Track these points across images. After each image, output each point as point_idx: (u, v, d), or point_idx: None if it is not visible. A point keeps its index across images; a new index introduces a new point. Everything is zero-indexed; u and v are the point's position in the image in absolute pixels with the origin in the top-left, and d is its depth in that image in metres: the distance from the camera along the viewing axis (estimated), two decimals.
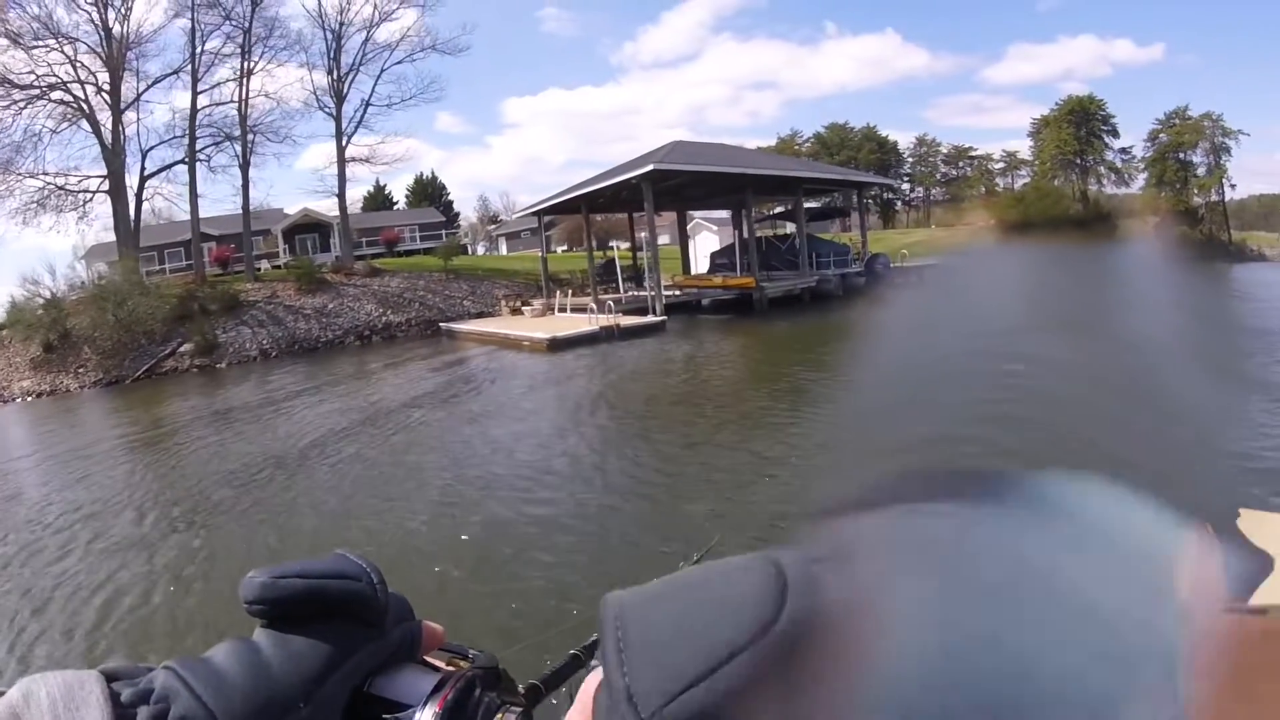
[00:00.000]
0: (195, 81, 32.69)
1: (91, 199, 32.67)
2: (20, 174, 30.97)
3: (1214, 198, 55.74)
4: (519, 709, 0.47)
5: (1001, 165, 74.94)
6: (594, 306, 22.39)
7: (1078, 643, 0.23)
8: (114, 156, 31.24)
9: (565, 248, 53.71)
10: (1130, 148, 62.85)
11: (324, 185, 39.78)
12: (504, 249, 63.79)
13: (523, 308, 28.75)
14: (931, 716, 0.22)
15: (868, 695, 0.23)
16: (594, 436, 10.23)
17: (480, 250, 63.23)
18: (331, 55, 35.95)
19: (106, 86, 30.77)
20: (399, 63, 37.70)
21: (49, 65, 29.84)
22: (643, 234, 30.44)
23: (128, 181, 32.35)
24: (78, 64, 30.21)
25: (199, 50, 32.46)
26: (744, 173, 26.93)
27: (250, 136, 34.27)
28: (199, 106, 33.17)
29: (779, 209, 36.65)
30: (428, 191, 67.37)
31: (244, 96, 33.66)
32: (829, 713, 0.24)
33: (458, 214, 70.46)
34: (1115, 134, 62.39)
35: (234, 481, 9.28)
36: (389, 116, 76.67)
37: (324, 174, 39.74)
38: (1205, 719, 0.21)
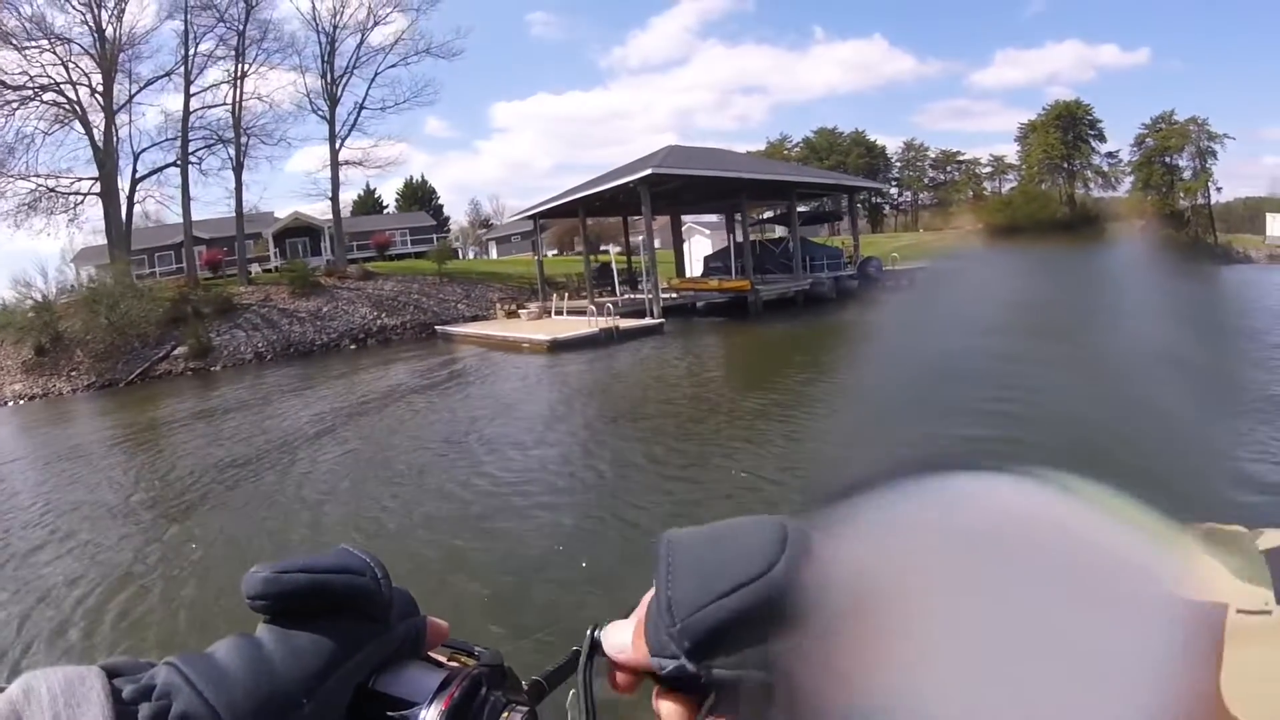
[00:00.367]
0: (188, 84, 32.61)
1: (83, 201, 32.49)
2: (12, 176, 30.80)
3: (1200, 201, 56.45)
4: (525, 709, 0.46)
5: (989, 169, 75.64)
6: (594, 309, 22.46)
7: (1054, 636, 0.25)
8: (106, 159, 31.08)
9: (556, 251, 53.78)
10: (1116, 152, 63.71)
11: (317, 188, 39.73)
12: (494, 253, 63.78)
13: (519, 311, 28.78)
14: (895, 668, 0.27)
15: (840, 634, 0.30)
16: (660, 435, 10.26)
17: (470, 255, 63.11)
18: (325, 58, 35.91)
19: (99, 88, 30.61)
20: (393, 66, 37.74)
21: (42, 66, 29.71)
22: (640, 237, 30.55)
23: (119, 184, 32.17)
24: (70, 65, 30.06)
25: (192, 52, 32.38)
26: (739, 177, 27.13)
27: (244, 139, 34.14)
28: (191, 109, 33.05)
29: (768, 213, 36.83)
30: (417, 195, 67.28)
31: (238, 99, 33.59)
32: (806, 641, 0.32)
33: (447, 218, 70.46)
34: (1102, 138, 63.27)
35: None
36: (382, 120, 76.42)
37: (316, 177, 39.68)
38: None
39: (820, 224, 38.57)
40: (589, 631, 0.46)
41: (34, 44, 29.07)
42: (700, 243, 45.48)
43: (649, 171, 23.42)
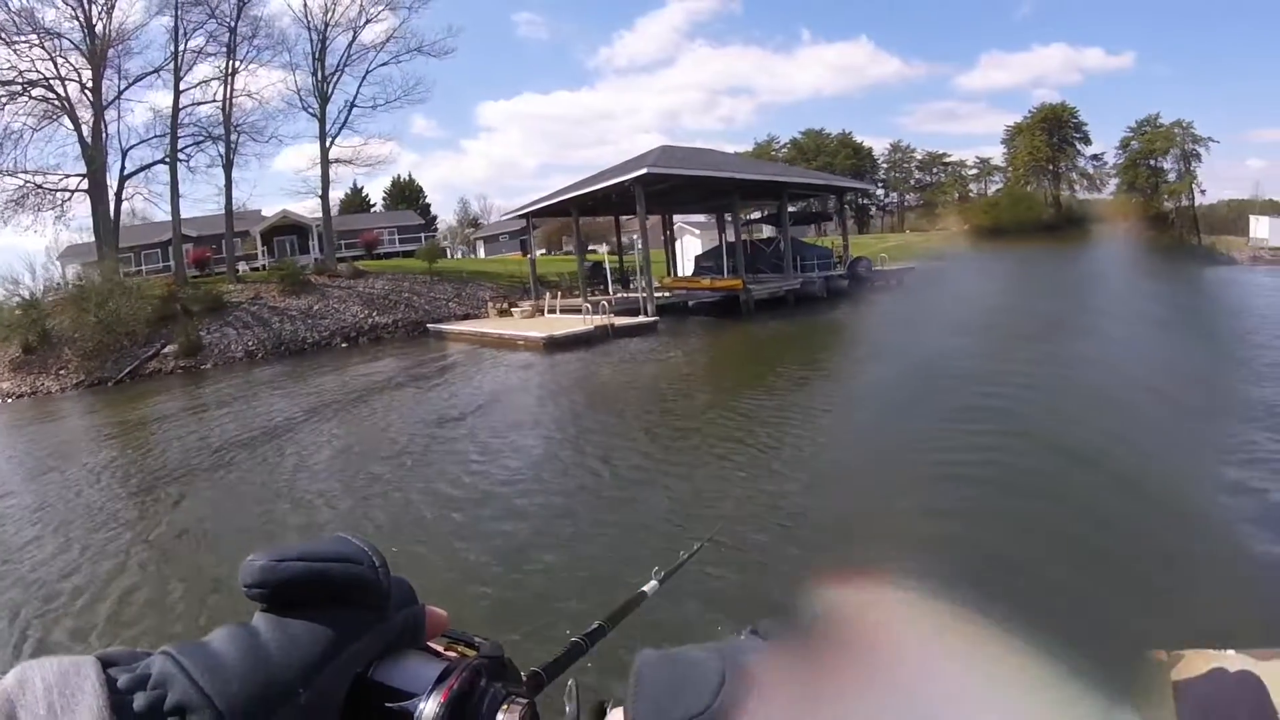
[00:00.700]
0: (178, 80, 32.40)
1: (70, 198, 32.21)
2: (1, 171, 30.49)
3: (1184, 203, 57.09)
4: (525, 701, 0.47)
5: (975, 171, 76.18)
6: (588, 306, 22.53)
7: None
8: (95, 155, 30.83)
9: (544, 251, 53.80)
10: (1102, 154, 64.36)
11: (307, 186, 39.52)
12: (481, 252, 63.61)
13: (512, 309, 28.78)
14: None
15: None
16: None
17: (457, 254, 62.98)
18: (316, 56, 35.76)
19: (89, 84, 30.37)
20: (384, 64, 37.61)
21: (32, 61, 29.43)
22: (635, 236, 30.63)
23: (107, 181, 31.92)
24: (59, 60, 29.82)
25: (182, 48, 32.17)
26: (733, 177, 27.26)
27: (234, 136, 33.95)
28: (181, 106, 32.83)
29: (756, 214, 37.00)
30: (405, 194, 67.00)
31: (229, 95, 33.39)
32: None
33: (434, 217, 70.22)
34: (1087, 141, 63.89)
35: None
36: (373, 118, 76.10)
37: (306, 175, 39.47)
38: None
39: (807, 224, 38.78)
40: (603, 706, 0.48)
41: (23, 39, 28.82)
42: (690, 243, 45.58)
43: (644, 171, 23.50)
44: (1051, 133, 62.43)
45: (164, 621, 5.32)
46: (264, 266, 40.30)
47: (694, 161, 27.64)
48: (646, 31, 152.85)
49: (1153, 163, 58.51)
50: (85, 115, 30.84)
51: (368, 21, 36.26)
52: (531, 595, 5.15)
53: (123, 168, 32.82)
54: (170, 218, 34.32)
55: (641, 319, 22.96)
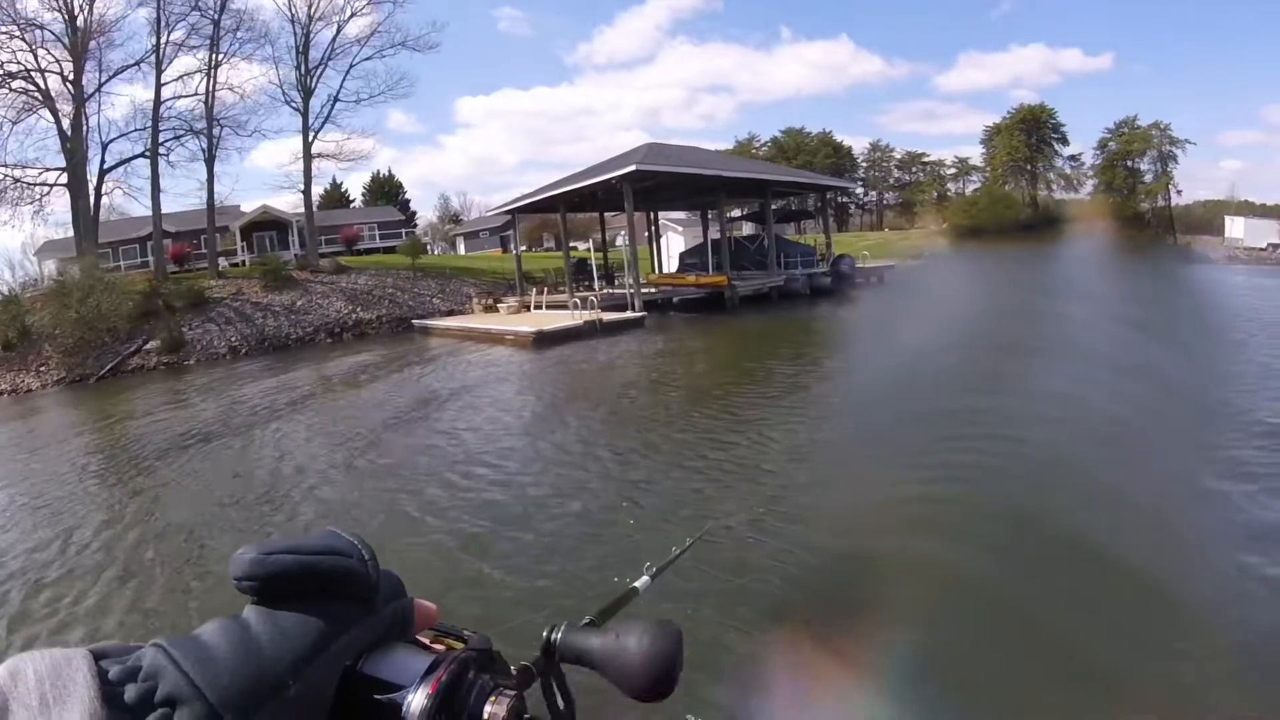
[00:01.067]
0: (159, 73, 32.02)
1: (49, 192, 31.77)
2: None
3: (1160, 203, 58.06)
4: (513, 692, 0.47)
5: (953, 171, 76.99)
6: (577, 302, 22.65)
7: None
8: (75, 149, 30.45)
9: (524, 248, 53.76)
10: (1079, 155, 65.31)
11: (289, 181, 39.26)
12: (461, 249, 63.50)
13: (498, 305, 28.82)
14: None
15: None
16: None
17: (437, 250, 62.83)
18: (300, 49, 35.53)
19: (70, 75, 29.99)
20: (368, 59, 37.40)
21: (12, 52, 29.01)
22: (622, 232, 30.77)
23: (87, 175, 31.54)
24: (39, 51, 29.39)
25: (163, 40, 31.81)
26: (719, 175, 27.45)
27: (217, 130, 33.66)
28: (162, 99, 32.51)
29: (736, 211, 37.27)
30: (384, 190, 66.68)
31: (211, 89, 33.09)
32: None
33: (414, 213, 69.97)
34: (1065, 141, 64.83)
35: None
36: (355, 112, 75.61)
37: (288, 170, 39.23)
38: None
39: (788, 222, 39.13)
40: (545, 634, 0.47)
41: (3, 30, 28.42)
42: (673, 240, 45.83)
43: (633, 168, 23.60)
44: (1030, 133, 63.28)
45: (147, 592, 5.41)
46: (244, 262, 40.06)
47: (681, 159, 27.82)
48: (627, 28, 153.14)
49: (1130, 164, 59.48)
50: (65, 108, 30.46)
51: (352, 15, 36.10)
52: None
53: (103, 161, 32.43)
54: (150, 212, 33.90)
55: (629, 314, 23.08)
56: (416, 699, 0.44)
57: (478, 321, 25.26)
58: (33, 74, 29.57)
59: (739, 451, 8.24)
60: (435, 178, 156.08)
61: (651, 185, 26.56)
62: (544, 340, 19.77)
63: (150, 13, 31.46)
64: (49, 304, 26.76)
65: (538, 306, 26.34)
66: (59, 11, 29.15)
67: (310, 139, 36.37)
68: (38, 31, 29.22)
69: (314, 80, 36.04)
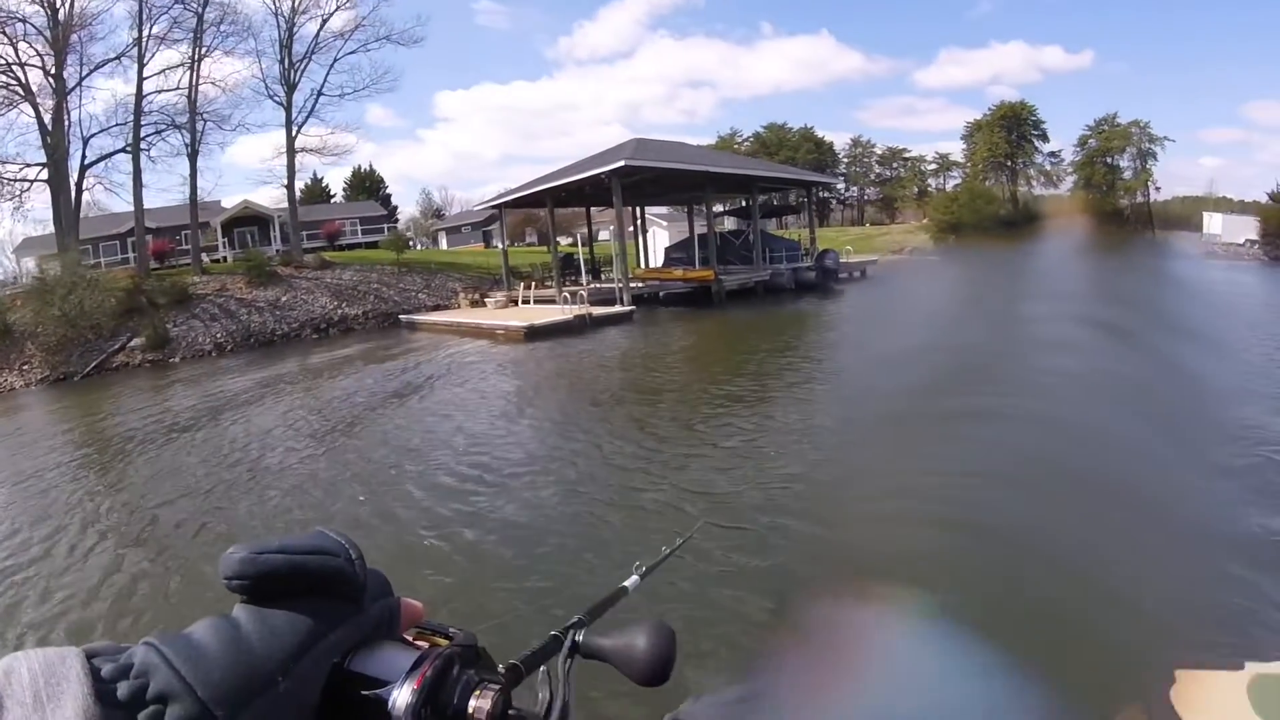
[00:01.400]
0: (141, 67, 31.68)
1: (29, 188, 31.38)
2: None
3: (1139, 199, 58.73)
4: (497, 687, 0.48)
5: (934, 166, 77.55)
6: (568, 296, 22.77)
7: None
8: (56, 144, 30.08)
9: (508, 243, 53.71)
10: (1059, 151, 66.03)
11: (272, 175, 38.96)
12: (444, 243, 63.28)
13: (485, 300, 28.82)
14: None
15: None
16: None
17: (418, 246, 62.57)
18: (284, 43, 35.25)
19: (51, 69, 29.60)
20: (352, 52, 37.18)
21: None
22: (610, 227, 30.84)
23: (69, 170, 31.18)
24: (19, 45, 28.98)
25: (145, 34, 31.47)
26: (706, 170, 27.60)
27: (200, 124, 33.36)
28: (144, 93, 32.17)
29: (718, 207, 37.49)
30: (365, 184, 66.24)
31: (194, 83, 32.78)
32: None
33: (395, 207, 69.58)
34: (1045, 138, 65.51)
35: None
36: (339, 107, 75.22)
37: (271, 165, 38.92)
38: None
39: (770, 217, 39.39)
40: (569, 632, 0.49)
41: None
42: (658, 235, 45.91)
43: (622, 163, 23.71)
44: (1010, 129, 63.84)
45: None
46: (225, 258, 39.73)
47: (669, 154, 27.96)
48: (608, 22, 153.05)
49: (1109, 160, 60.12)
50: (45, 102, 30.09)
51: (338, 7, 35.84)
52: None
53: (83, 157, 32.06)
54: (131, 208, 33.56)
55: (618, 309, 23.23)
56: (402, 694, 0.45)
57: (466, 316, 25.27)
58: (13, 67, 29.20)
59: (753, 434, 8.63)
60: (415, 173, 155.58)
61: (638, 180, 26.68)
62: (536, 334, 19.86)
63: (132, 6, 31.16)
64: (30, 301, 26.45)
65: (525, 301, 26.37)
66: (40, 4, 28.78)
67: (294, 134, 36.13)
68: (19, 25, 28.84)
69: (297, 74, 35.82)
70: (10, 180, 30.77)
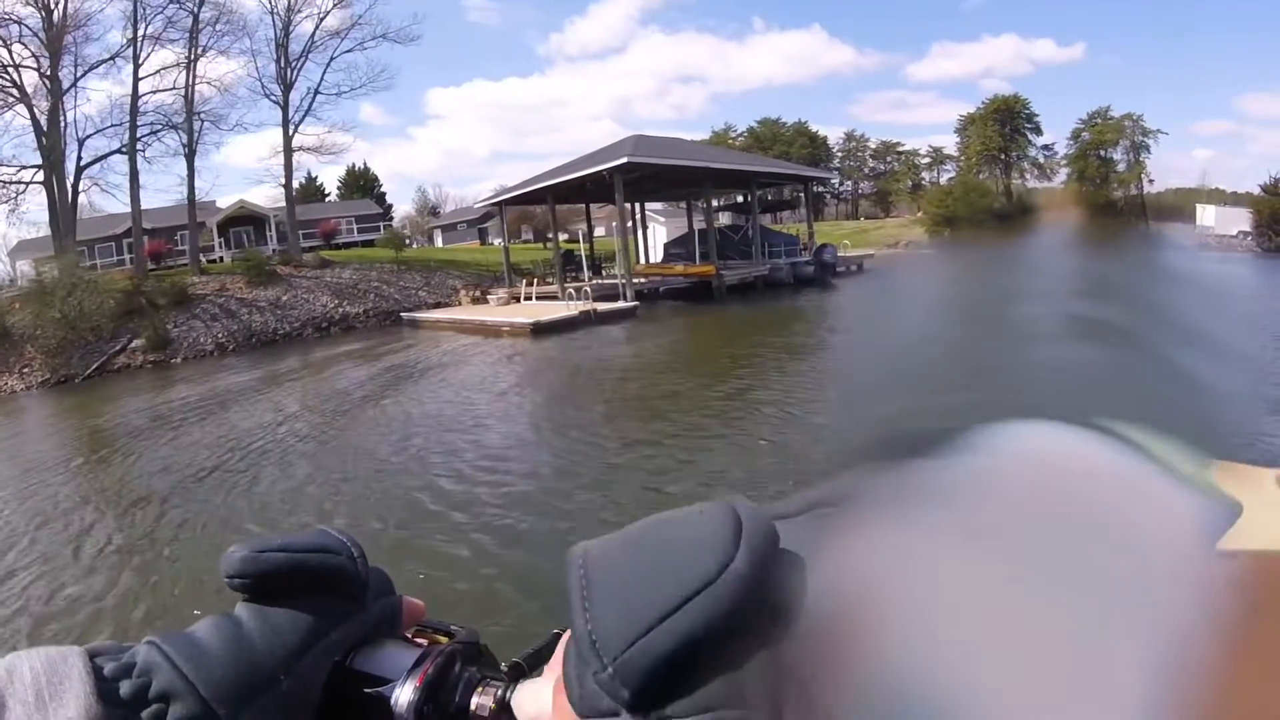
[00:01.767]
0: (136, 67, 31.56)
1: (25, 190, 31.24)
2: None
3: (1133, 192, 59.01)
4: (499, 684, 0.47)
5: (927, 160, 77.76)
6: (572, 292, 22.84)
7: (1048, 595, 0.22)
8: (52, 147, 29.95)
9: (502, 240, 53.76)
10: (1052, 144, 66.37)
11: (269, 175, 38.88)
12: (439, 241, 63.18)
13: (486, 296, 28.86)
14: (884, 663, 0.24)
15: (828, 638, 0.24)
16: None
17: (414, 245, 62.44)
18: (280, 42, 35.14)
19: (46, 70, 29.46)
20: (348, 51, 37.08)
21: None
22: (613, 224, 30.93)
23: (65, 172, 31.04)
24: (13, 46, 28.83)
25: (140, 34, 31.34)
26: (707, 166, 27.70)
27: (197, 124, 33.25)
28: (140, 93, 32.04)
29: (714, 202, 37.60)
30: (360, 183, 66.10)
31: (191, 82, 32.67)
32: (791, 653, 0.25)
33: (390, 206, 69.43)
34: (1038, 131, 65.80)
35: None
36: (336, 105, 74.85)
37: (269, 164, 38.84)
38: (1196, 664, 0.20)
39: (767, 213, 39.49)
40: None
41: None
42: (655, 231, 46.02)
43: (624, 160, 23.76)
44: (1004, 123, 64.06)
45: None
46: (221, 258, 39.60)
47: (669, 150, 28.06)
48: (599, 17, 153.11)
49: (1103, 153, 60.44)
50: (41, 104, 29.95)
51: (335, 5, 35.72)
52: None
53: (79, 158, 31.95)
54: (128, 209, 33.44)
55: (621, 305, 23.29)
56: (404, 692, 0.45)
57: (469, 314, 25.29)
58: (8, 69, 29.06)
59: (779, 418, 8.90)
60: (406, 170, 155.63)
61: (638, 177, 26.75)
62: (542, 331, 19.90)
63: (126, 6, 31.01)
64: (29, 304, 26.33)
65: (527, 298, 26.39)
66: (35, 6, 28.62)
67: (291, 133, 36.03)
68: (13, 26, 28.68)
69: (294, 73, 35.72)
70: (6, 183, 30.63)
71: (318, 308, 30.21)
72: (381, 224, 52.73)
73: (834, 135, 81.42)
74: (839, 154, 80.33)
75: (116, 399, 18.17)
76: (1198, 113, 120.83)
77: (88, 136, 32.22)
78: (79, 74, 31.14)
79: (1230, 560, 0.22)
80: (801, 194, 39.81)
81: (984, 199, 56.84)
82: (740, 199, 36.65)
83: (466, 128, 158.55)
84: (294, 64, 35.68)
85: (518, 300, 26.93)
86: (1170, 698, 0.18)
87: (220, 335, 27.61)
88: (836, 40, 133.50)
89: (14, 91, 29.60)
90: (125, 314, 27.14)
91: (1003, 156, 65.00)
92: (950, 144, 73.00)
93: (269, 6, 34.76)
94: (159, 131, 33.34)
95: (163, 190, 63.78)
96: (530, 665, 0.52)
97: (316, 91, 36.44)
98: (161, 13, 31.53)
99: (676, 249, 33.47)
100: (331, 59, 36.63)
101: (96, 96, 51.70)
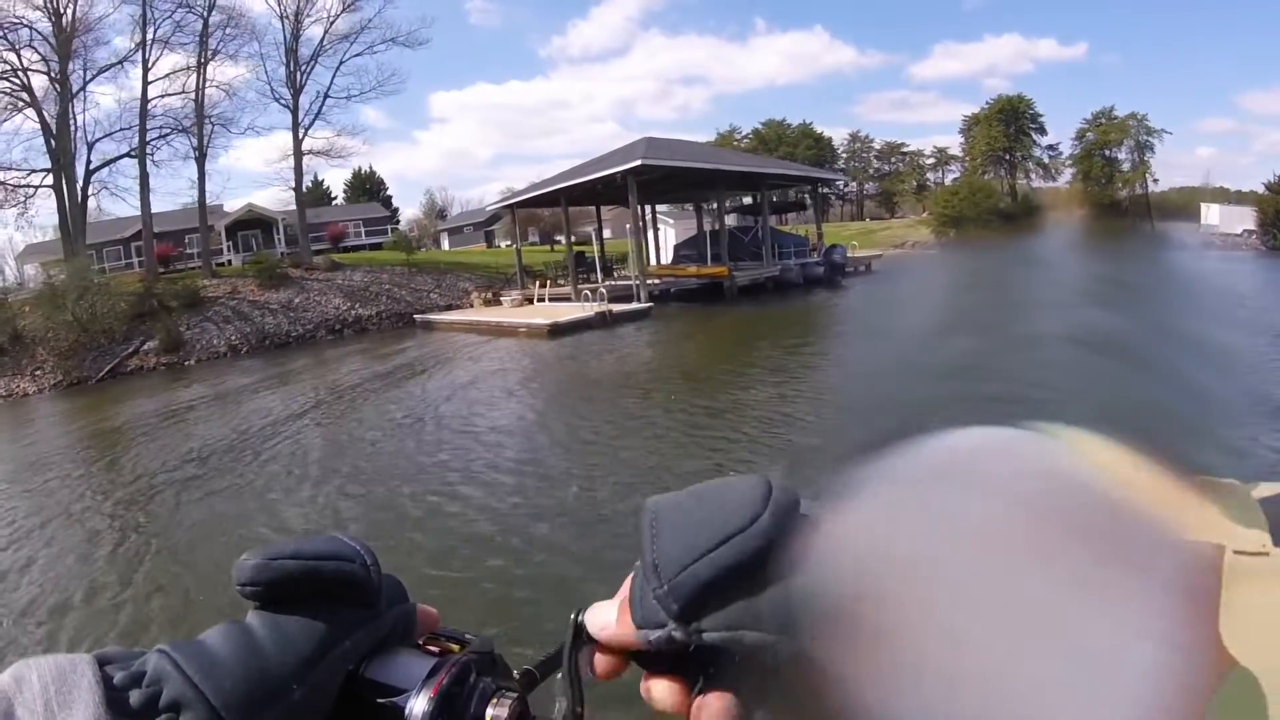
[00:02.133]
0: (145, 71, 31.62)
1: (34, 194, 31.26)
2: None
3: (1138, 191, 59.02)
4: (514, 695, 0.47)
5: (932, 161, 77.78)
6: (588, 293, 22.92)
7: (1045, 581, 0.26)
8: (62, 150, 29.98)
9: (509, 242, 53.72)
10: (1057, 145, 66.40)
11: (279, 178, 38.88)
12: (445, 244, 63.22)
13: (500, 298, 28.91)
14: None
15: (830, 583, 0.31)
16: None
17: (421, 248, 62.43)
18: (289, 47, 35.18)
19: (56, 74, 29.49)
20: (358, 55, 37.06)
21: None
22: (628, 225, 30.98)
23: (75, 175, 31.07)
24: (22, 51, 28.88)
25: (150, 38, 31.39)
26: (719, 168, 27.77)
27: (208, 127, 33.27)
28: (150, 97, 32.10)
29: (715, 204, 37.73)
30: (366, 186, 66.17)
31: (201, 85, 32.70)
32: (799, 588, 0.33)
33: (396, 209, 69.47)
34: (1043, 131, 65.86)
35: None
36: (345, 109, 74.98)
37: (278, 166, 38.84)
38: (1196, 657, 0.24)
39: (774, 214, 39.53)
40: (572, 616, 0.48)
41: None
42: (665, 232, 46.11)
43: (639, 162, 23.85)
44: (1008, 123, 64.11)
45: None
46: (229, 261, 39.60)
47: (680, 153, 28.17)
48: (600, 19, 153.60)
49: (1107, 153, 60.48)
50: (50, 108, 29.96)
51: (345, 9, 35.74)
52: None
53: (89, 162, 31.98)
54: (135, 213, 33.56)
55: (636, 305, 23.35)
56: (418, 703, 0.44)
57: (483, 315, 25.34)
58: (18, 72, 29.09)
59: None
60: (409, 173, 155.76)
61: (648, 179, 26.79)
62: (559, 331, 19.94)
63: (135, 10, 31.05)
64: (40, 306, 26.34)
65: (540, 299, 26.44)
66: (44, 10, 28.66)
67: (301, 136, 36.05)
68: (23, 30, 28.72)
69: (303, 77, 35.75)
70: (15, 186, 30.65)
71: (330, 310, 30.24)
72: (389, 227, 52.82)
73: (838, 136, 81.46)
74: (843, 155, 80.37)
75: (154, 393, 18.15)
76: (1200, 110, 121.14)
77: (97, 140, 32.33)
78: (88, 77, 31.27)
79: (1196, 555, 0.24)
80: (807, 195, 39.90)
81: (989, 199, 56.89)
82: (747, 200, 36.73)
83: (469, 130, 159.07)
84: (303, 68, 35.76)
85: (531, 302, 26.97)
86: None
87: (233, 337, 27.64)
88: (838, 41, 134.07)
89: (24, 95, 29.67)
90: (137, 316, 27.19)
91: (1007, 157, 65.05)
92: (954, 144, 73.21)
93: (278, 11, 34.82)
94: (168, 135, 33.42)
95: (173, 194, 63.81)
96: (542, 672, 0.52)
97: (326, 95, 36.51)
98: (170, 17, 31.59)
99: (687, 250, 33.53)
100: (341, 63, 36.68)
101: (105, 101, 51.89)
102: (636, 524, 0.39)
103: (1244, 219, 48.04)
